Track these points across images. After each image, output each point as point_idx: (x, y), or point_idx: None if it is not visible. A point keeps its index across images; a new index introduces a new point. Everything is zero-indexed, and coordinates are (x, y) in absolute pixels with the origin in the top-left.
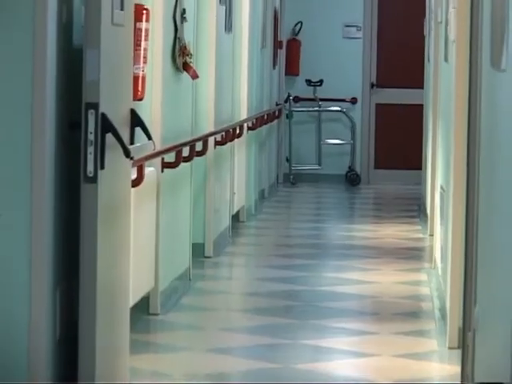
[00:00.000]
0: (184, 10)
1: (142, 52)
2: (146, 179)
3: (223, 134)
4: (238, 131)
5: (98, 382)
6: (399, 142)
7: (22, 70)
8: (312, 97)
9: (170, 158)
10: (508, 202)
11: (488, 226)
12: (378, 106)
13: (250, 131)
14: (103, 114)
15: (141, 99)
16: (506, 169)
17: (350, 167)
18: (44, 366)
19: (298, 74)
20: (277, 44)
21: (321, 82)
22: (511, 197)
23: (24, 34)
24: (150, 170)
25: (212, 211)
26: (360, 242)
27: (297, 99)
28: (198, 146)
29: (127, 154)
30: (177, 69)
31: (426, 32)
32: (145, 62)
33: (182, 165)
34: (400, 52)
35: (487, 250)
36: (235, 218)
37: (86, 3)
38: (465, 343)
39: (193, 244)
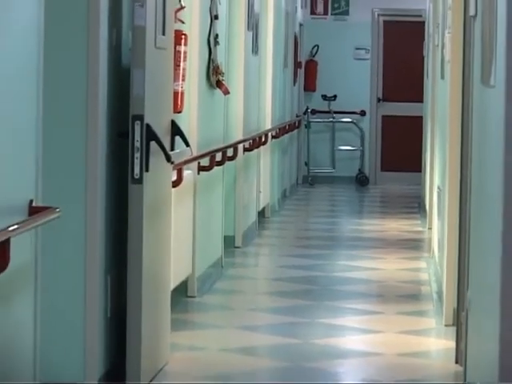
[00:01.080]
0: (217, 35)
1: (181, 71)
2: (184, 180)
3: (251, 141)
4: (263, 139)
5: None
6: (402, 148)
7: (78, 86)
8: (327, 109)
9: (204, 162)
10: (495, 200)
11: (478, 221)
12: (384, 117)
13: (273, 139)
14: (148, 125)
15: (180, 112)
16: (493, 171)
17: (359, 170)
18: (97, 341)
19: (314, 90)
20: (297, 64)
21: (335, 96)
22: (498, 195)
23: (79, 55)
24: (187, 173)
25: (241, 208)
26: (368, 235)
27: (314, 112)
28: (229, 152)
29: (168, 158)
30: (211, 86)
31: (425, 53)
32: (183, 80)
33: (215, 168)
34: (402, 71)
35: (478, 241)
36: (261, 213)
37: (133, 29)
38: (459, 321)
39: (224, 236)
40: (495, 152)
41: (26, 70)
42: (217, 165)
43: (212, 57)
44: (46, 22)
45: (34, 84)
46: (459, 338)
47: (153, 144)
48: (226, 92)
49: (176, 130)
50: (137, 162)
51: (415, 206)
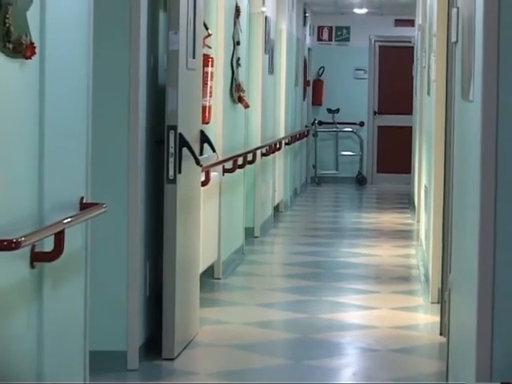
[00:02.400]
0: (239, 58)
1: (208, 89)
2: (211, 181)
3: (267, 147)
4: (278, 146)
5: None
6: (394, 153)
7: (121, 101)
8: (331, 121)
9: (228, 165)
10: (473, 198)
11: (459, 215)
12: (379, 127)
13: (286, 146)
14: (180, 134)
15: (207, 123)
16: (472, 173)
17: (359, 171)
18: (137, 316)
19: (321, 105)
20: (306, 83)
21: (338, 110)
22: (476, 194)
23: (123, 75)
24: (214, 174)
25: (259, 203)
26: (366, 226)
27: (320, 123)
28: (249, 157)
29: (198, 162)
30: (233, 101)
31: (414, 73)
32: (210, 96)
33: (238, 170)
34: (395, 88)
35: (458, 231)
36: (276, 208)
37: (168, 53)
38: (443, 299)
39: (245, 227)
40: (473, 156)
41: (79, 90)
42: (239, 167)
43: (234, 76)
44: (95, 48)
45: (84, 100)
46: (443, 314)
47: (184, 150)
48: (246, 106)
49: (204, 138)
50: (171, 165)
51: (406, 202)
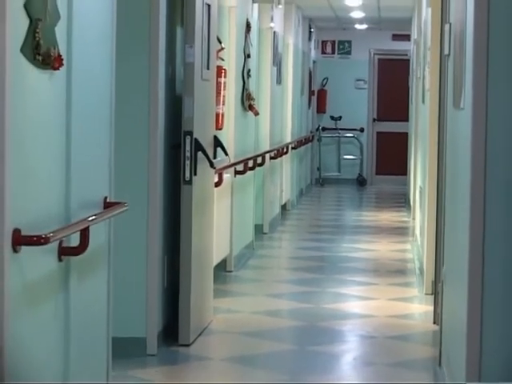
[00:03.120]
0: (249, 69)
1: (221, 98)
2: (224, 182)
3: (275, 151)
4: (285, 150)
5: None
6: (392, 157)
7: (142, 109)
8: (334, 127)
9: (239, 167)
10: (464, 197)
11: (451, 213)
12: (378, 133)
13: (293, 150)
14: (196, 139)
15: (221, 129)
16: (462, 175)
17: (359, 173)
18: (156, 305)
19: (324, 112)
20: (311, 92)
21: (340, 117)
22: (466, 194)
23: (143, 85)
24: (226, 176)
25: (268, 202)
26: (366, 223)
27: (324, 129)
28: (259, 160)
29: (211, 165)
30: (244, 109)
31: (409, 84)
32: (223, 104)
33: (248, 172)
34: (392, 97)
35: (450, 228)
36: (283, 207)
37: (185, 65)
38: (436, 291)
39: (255, 224)
40: (464, 159)
41: (102, 99)
42: (249, 170)
43: (245, 86)
44: (117, 61)
45: (107, 108)
46: (436, 304)
47: (199, 153)
48: (256, 113)
49: (217, 143)
50: (187, 167)
51: (402, 201)
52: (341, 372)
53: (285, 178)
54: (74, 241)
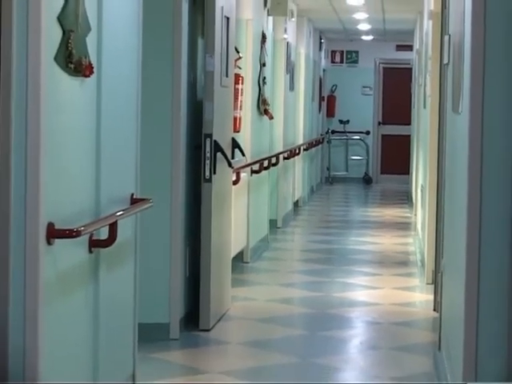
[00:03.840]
0: (264, 77)
1: (239, 103)
2: (241, 180)
3: (288, 152)
4: (297, 151)
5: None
6: (395, 157)
7: (166, 113)
8: (342, 130)
9: (255, 167)
10: (461, 195)
11: (449, 209)
12: (383, 136)
13: (304, 151)
14: (215, 141)
15: (238, 131)
16: (460, 174)
17: (365, 173)
18: (178, 293)
19: (334, 116)
20: (321, 98)
21: (348, 121)
22: (463, 192)
23: (167, 91)
24: (243, 175)
25: (282, 199)
26: (371, 219)
27: (333, 131)
28: (273, 160)
29: (230, 164)
30: (260, 113)
31: (412, 90)
32: (241, 109)
33: (263, 172)
34: (396, 103)
35: (449, 223)
36: (295, 203)
37: (205, 73)
38: (436, 280)
39: (269, 219)
40: (462, 160)
41: (129, 104)
42: (264, 169)
43: (261, 92)
44: (143, 68)
45: (134, 111)
46: (436, 293)
47: (219, 154)
48: (271, 117)
49: (235, 144)
50: (207, 167)
51: (405, 198)
52: (348, 355)
53: (297, 176)
54: (104, 234)
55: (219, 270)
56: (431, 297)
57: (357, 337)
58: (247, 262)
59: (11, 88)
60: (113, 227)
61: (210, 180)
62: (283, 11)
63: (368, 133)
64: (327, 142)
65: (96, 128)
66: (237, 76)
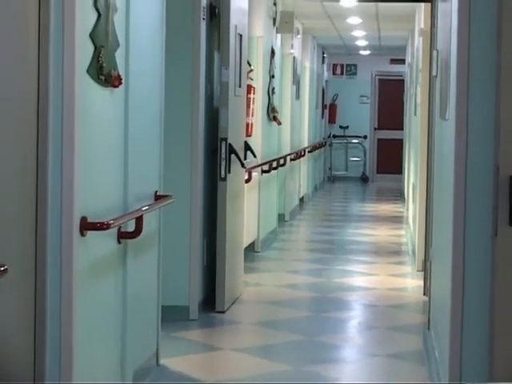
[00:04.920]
0: (273, 87)
1: (250, 110)
2: (252, 179)
3: (295, 154)
4: (302, 153)
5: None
6: (389, 159)
7: (186, 119)
8: (343, 134)
9: (265, 167)
10: (447, 193)
11: (437, 204)
12: (379, 139)
13: (309, 153)
14: (230, 144)
15: (250, 136)
16: (447, 174)
17: (363, 172)
18: (197, 280)
19: (335, 122)
20: (323, 106)
21: (347, 126)
22: (449, 190)
23: (186, 100)
24: (255, 174)
25: (289, 196)
26: (368, 213)
27: (334, 136)
28: (281, 161)
29: (242, 165)
30: (269, 119)
31: (404, 99)
32: (252, 116)
33: (272, 171)
34: (390, 110)
35: (437, 217)
36: (301, 199)
37: (221, 84)
38: (425, 268)
39: (278, 214)
40: (448, 161)
41: (154, 111)
42: (273, 169)
43: (270, 101)
44: (166, 80)
45: (158, 118)
46: (425, 279)
47: (233, 156)
48: (279, 123)
49: (247, 147)
50: (223, 167)
51: (398, 195)
52: (347, 334)
53: (302, 175)
54: (130, 227)
55: (233, 258)
56: (421, 282)
57: (355, 318)
58: (258, 252)
59: (49, 97)
60: (139, 220)
61: (225, 179)
62: (290, 29)
63: (365, 137)
64: (329, 145)
65: (124, 132)
66: (249, 86)
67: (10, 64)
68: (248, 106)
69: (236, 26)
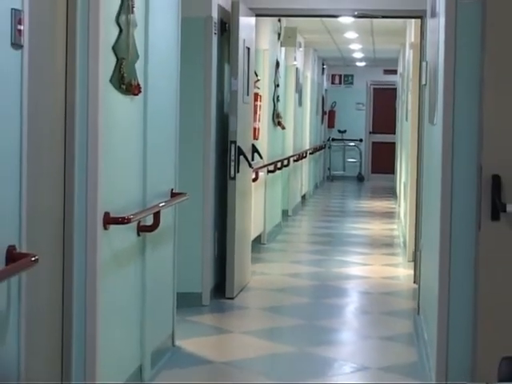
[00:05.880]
0: (278, 95)
1: (257, 116)
2: (259, 178)
3: (297, 156)
4: (304, 155)
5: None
6: (383, 160)
7: (199, 124)
8: (341, 138)
9: (271, 168)
10: (435, 190)
11: (426, 201)
12: (373, 142)
13: (310, 155)
14: (239, 147)
15: (257, 139)
16: (435, 173)
17: (359, 172)
18: (209, 269)
19: (333, 127)
20: (323, 112)
21: (345, 131)
22: (437, 188)
23: (199, 107)
24: (261, 174)
25: (292, 193)
26: (363, 209)
27: (333, 139)
28: (285, 162)
29: (250, 165)
30: (274, 124)
31: (396, 106)
32: (259, 121)
33: (277, 171)
34: (383, 116)
35: (426, 212)
36: (303, 197)
37: (230, 92)
38: (416, 259)
39: (282, 209)
40: (436, 161)
41: (170, 116)
42: (278, 169)
43: (275, 108)
44: (181, 89)
45: (173, 123)
46: (416, 268)
47: (241, 157)
48: (283, 128)
49: (254, 149)
50: (232, 167)
51: (391, 193)
52: (345, 318)
53: (304, 175)
54: (149, 221)
55: (241, 249)
56: (411, 271)
57: (352, 304)
58: (264, 244)
59: (75, 103)
60: (156, 215)
61: (234, 178)
62: (293, 43)
63: (361, 140)
64: (328, 147)
65: (143, 136)
66: (256, 95)
67: (42, 74)
68: (255, 112)
69: (244, 40)
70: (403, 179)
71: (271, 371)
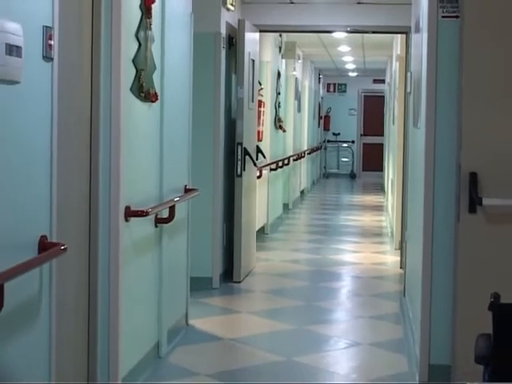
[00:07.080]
0: (279, 102)
1: (261, 120)
2: (263, 176)
3: (297, 155)
4: (303, 155)
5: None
6: (373, 159)
7: (209, 128)
8: (335, 140)
9: (273, 166)
10: (419, 186)
11: (411, 196)
12: (364, 144)
13: (308, 155)
14: (245, 148)
15: (261, 141)
16: (418, 172)
17: (351, 170)
18: (219, 256)
19: (329, 130)
20: (319, 117)
21: (339, 133)
22: (420, 184)
23: (209, 113)
24: (265, 172)
25: (291, 189)
26: (355, 203)
27: (328, 141)
28: (286, 161)
29: (255, 164)
30: (276, 128)
31: (384, 111)
32: (262, 125)
33: (279, 169)
34: (373, 120)
35: (411, 206)
36: (302, 192)
37: (237, 99)
38: (402, 247)
39: (283, 203)
40: (420, 161)
41: (183, 121)
42: (279, 168)
43: (277, 113)
44: (193, 96)
45: (186, 126)
46: (402, 255)
47: (247, 157)
48: (284, 131)
49: (259, 150)
50: (239, 166)
51: (379, 188)
52: (339, 299)
53: (302, 173)
54: (165, 214)
55: (247, 239)
56: (398, 258)
57: (345, 287)
58: (267, 234)
59: (100, 110)
60: (172, 209)
61: (240, 176)
62: (293, 55)
63: (353, 142)
64: (324, 148)
65: (159, 138)
66: (259, 102)
67: (70, 83)
68: (259, 117)
69: (249, 53)
70: (391, 176)
71: (274, 347)
